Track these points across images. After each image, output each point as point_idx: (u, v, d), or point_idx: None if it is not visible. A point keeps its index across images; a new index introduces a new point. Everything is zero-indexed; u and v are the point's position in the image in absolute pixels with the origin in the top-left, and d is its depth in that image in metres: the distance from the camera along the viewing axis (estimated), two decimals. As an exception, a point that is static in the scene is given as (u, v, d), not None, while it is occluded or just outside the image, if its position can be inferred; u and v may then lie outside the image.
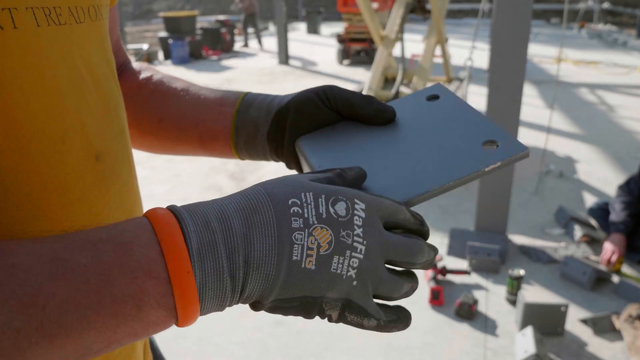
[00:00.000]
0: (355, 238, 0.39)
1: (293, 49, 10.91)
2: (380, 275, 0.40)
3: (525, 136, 4.83)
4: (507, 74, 2.83)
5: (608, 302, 2.45)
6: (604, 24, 16.51)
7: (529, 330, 2.11)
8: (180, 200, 3.46)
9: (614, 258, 2.64)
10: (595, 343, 2.19)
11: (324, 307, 0.39)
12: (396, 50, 5.12)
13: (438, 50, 4.89)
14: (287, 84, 8.12)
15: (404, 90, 4.34)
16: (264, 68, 9.65)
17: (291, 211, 0.38)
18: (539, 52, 10.52)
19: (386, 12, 6.95)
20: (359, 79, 7.92)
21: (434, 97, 0.55)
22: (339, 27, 13.36)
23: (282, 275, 0.37)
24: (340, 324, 0.42)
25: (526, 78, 3.04)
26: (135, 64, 0.69)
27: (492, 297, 2.52)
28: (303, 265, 0.37)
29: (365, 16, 4.61)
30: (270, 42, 12.65)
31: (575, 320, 2.32)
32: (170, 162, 4.53)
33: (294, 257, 0.37)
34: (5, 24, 0.36)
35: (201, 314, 0.36)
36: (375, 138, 0.52)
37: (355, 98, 0.53)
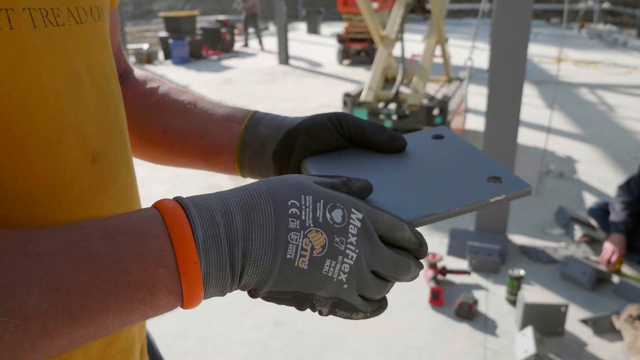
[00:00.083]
0: (349, 245, 0.41)
1: (293, 49, 10.92)
2: (368, 281, 0.43)
3: (525, 136, 4.83)
4: (507, 74, 2.83)
5: (608, 302, 2.45)
6: (604, 24, 16.52)
7: (529, 331, 2.11)
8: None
9: (614, 258, 2.64)
10: (595, 343, 2.19)
11: (314, 303, 0.42)
12: (396, 50, 5.11)
13: (438, 50, 4.89)
14: (287, 83, 8.12)
15: (404, 90, 4.34)
16: (264, 68, 9.65)
17: (289, 212, 0.39)
18: (539, 52, 10.53)
19: (386, 12, 6.95)
20: (359, 79, 7.92)
21: (439, 137, 0.57)
22: (339, 27, 13.36)
23: (276, 271, 0.39)
24: (340, 324, 0.43)
25: (526, 78, 3.04)
26: (141, 73, 0.69)
27: (492, 297, 2.51)
28: (296, 264, 0.39)
29: (366, 16, 4.61)
30: (271, 42, 12.66)
31: (575, 321, 2.32)
32: (170, 162, 4.53)
33: (288, 256, 0.39)
34: (1, 24, 0.36)
35: (204, 299, 0.39)
36: (383, 164, 0.53)
37: (367, 125, 0.54)
